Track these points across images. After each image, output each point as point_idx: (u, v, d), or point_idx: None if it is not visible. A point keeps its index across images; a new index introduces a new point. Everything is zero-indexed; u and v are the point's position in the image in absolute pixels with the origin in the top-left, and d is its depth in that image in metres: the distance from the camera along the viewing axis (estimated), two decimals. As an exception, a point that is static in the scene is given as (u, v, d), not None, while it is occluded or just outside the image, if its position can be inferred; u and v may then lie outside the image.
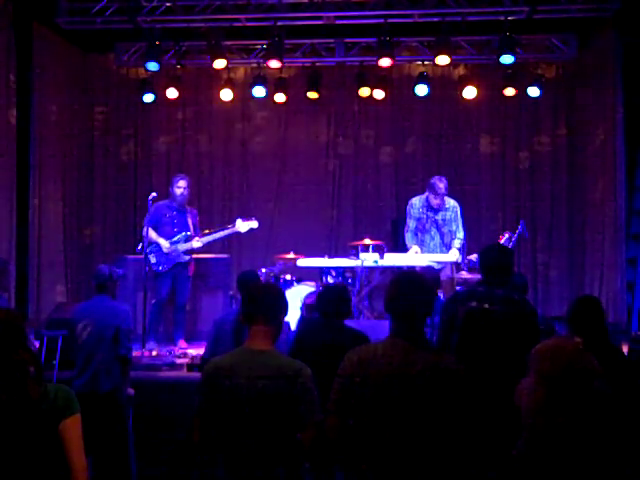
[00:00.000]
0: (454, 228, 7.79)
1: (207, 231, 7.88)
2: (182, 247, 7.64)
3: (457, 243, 7.72)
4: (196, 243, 7.70)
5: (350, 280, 7.94)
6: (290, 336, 4.88)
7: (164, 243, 7.53)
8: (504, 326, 4.06)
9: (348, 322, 4.67)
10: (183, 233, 7.68)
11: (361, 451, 2.91)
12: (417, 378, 2.86)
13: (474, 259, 7.43)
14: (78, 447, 2.61)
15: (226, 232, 7.88)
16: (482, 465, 3.27)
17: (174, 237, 7.64)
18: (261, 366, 3.07)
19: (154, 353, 7.27)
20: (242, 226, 7.79)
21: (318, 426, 3.01)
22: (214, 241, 7.91)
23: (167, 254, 7.56)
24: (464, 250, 7.76)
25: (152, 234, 7.60)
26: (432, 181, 7.70)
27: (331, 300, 4.55)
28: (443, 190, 7.62)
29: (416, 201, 7.85)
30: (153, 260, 7.51)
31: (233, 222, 7.89)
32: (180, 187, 7.67)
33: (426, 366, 2.88)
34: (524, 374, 2.60)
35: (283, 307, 3.25)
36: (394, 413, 2.85)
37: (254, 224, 7.85)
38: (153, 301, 7.59)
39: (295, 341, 4.42)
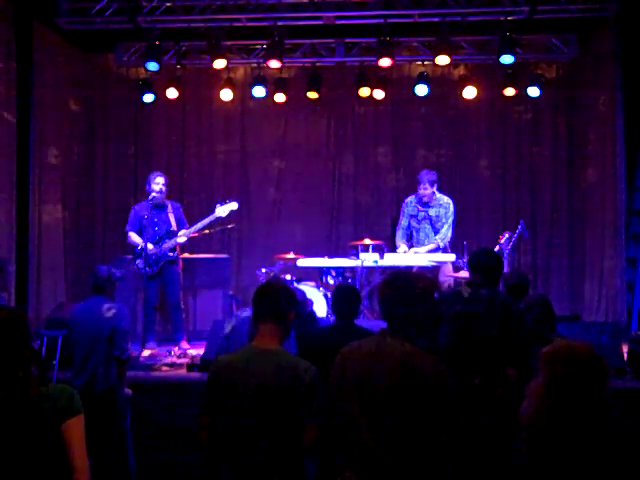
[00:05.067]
0: (439, 225, 7.87)
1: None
2: (167, 245, 7.60)
3: (439, 241, 7.79)
4: (180, 238, 7.63)
5: (350, 280, 7.94)
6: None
7: (150, 246, 7.41)
8: (488, 327, 4.11)
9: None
10: (165, 231, 7.64)
11: (342, 450, 2.88)
12: (395, 376, 2.81)
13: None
14: (80, 448, 2.61)
15: (207, 220, 7.68)
16: (471, 468, 3.26)
17: (157, 237, 7.58)
18: (268, 365, 3.07)
19: (154, 353, 7.27)
20: (221, 211, 7.64)
21: (321, 425, 3.00)
22: (200, 230, 7.72)
23: (153, 255, 7.46)
24: (465, 250, 7.76)
25: (136, 238, 7.59)
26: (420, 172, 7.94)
27: (348, 300, 4.54)
28: (425, 180, 7.76)
29: (410, 198, 8.08)
30: (141, 264, 7.44)
31: (213, 210, 7.75)
32: (158, 184, 7.62)
33: (404, 364, 2.83)
34: (511, 376, 2.55)
35: (292, 306, 3.26)
36: (371, 410, 2.81)
37: (234, 205, 7.70)
38: (145, 305, 7.54)
39: (308, 342, 4.40)
